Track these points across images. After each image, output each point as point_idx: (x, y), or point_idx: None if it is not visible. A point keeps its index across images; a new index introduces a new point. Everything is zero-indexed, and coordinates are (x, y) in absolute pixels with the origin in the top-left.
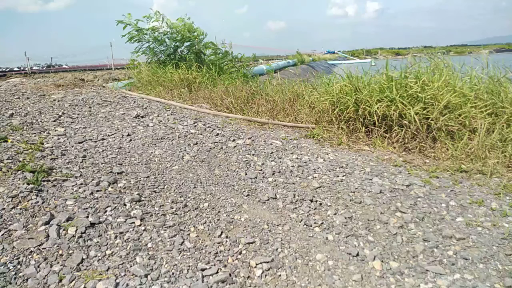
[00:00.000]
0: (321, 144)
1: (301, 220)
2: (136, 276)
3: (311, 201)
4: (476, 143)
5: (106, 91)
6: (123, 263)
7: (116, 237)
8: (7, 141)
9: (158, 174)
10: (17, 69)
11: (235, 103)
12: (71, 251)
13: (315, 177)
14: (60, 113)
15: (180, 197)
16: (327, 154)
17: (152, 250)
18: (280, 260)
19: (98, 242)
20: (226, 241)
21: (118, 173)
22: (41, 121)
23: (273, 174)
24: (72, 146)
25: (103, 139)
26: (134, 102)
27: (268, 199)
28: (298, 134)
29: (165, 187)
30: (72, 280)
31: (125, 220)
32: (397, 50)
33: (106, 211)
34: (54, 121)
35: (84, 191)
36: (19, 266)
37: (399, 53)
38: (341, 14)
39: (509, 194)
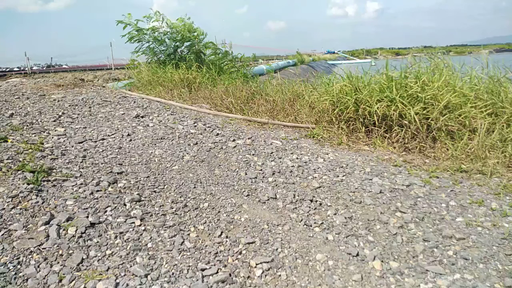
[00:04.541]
0: (321, 144)
1: (301, 220)
2: (136, 276)
3: (311, 201)
4: (476, 143)
5: (106, 91)
6: (123, 263)
7: (116, 237)
8: (7, 141)
9: (158, 174)
10: (17, 69)
11: (235, 103)
12: (71, 251)
13: (315, 177)
14: (60, 113)
15: (180, 197)
16: (327, 154)
17: (152, 250)
18: (280, 260)
19: (98, 242)
20: (226, 241)
21: (118, 173)
22: (41, 121)
23: (273, 174)
24: (72, 146)
25: (103, 139)
26: (134, 102)
27: (268, 199)
28: (298, 134)
29: (165, 187)
30: (72, 280)
31: (125, 220)
32: (397, 50)
33: (106, 211)
34: (54, 121)
35: (84, 191)
36: (19, 266)
37: (399, 53)
38: (341, 14)
39: (509, 194)
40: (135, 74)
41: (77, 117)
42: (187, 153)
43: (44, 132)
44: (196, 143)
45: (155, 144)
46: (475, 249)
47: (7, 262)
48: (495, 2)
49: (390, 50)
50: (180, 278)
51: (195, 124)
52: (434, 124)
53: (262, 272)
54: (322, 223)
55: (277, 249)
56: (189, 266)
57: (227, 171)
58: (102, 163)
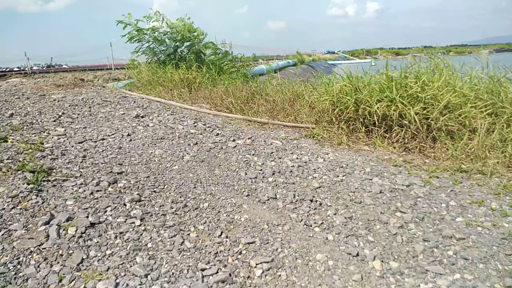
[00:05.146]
0: (321, 144)
1: (301, 220)
2: (136, 276)
3: (311, 201)
4: (476, 143)
5: (106, 91)
6: (123, 263)
7: (116, 237)
8: (7, 141)
9: (158, 174)
10: (17, 69)
11: (235, 103)
12: (71, 251)
13: (315, 177)
14: (60, 113)
15: (180, 197)
16: (327, 154)
17: (152, 250)
18: (280, 260)
19: (98, 242)
20: (226, 241)
21: (118, 173)
22: (41, 121)
23: (273, 174)
24: (72, 146)
25: (103, 139)
26: (134, 102)
27: (268, 199)
28: (298, 134)
29: (165, 187)
30: (72, 280)
31: (125, 220)
32: (397, 50)
33: (106, 211)
34: (54, 121)
35: (84, 191)
36: (19, 266)
37: (399, 53)
38: (341, 14)
39: (509, 194)
40: (135, 74)
41: (77, 117)
42: (187, 153)
43: (44, 132)
44: (196, 143)
45: (155, 144)
46: (475, 249)
47: (7, 262)
48: (495, 2)
49: (390, 50)
50: (180, 278)
51: (195, 124)
52: (434, 124)
53: (262, 272)
54: (322, 223)
55: (277, 249)
56: (189, 266)
57: (227, 171)
58: (102, 163)
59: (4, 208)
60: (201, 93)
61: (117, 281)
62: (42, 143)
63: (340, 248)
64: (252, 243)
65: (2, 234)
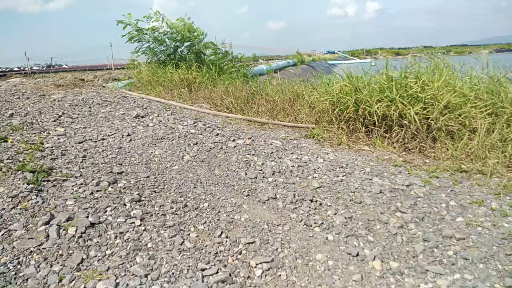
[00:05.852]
0: (321, 144)
1: (301, 220)
2: (136, 276)
3: (311, 201)
4: (476, 143)
5: (106, 91)
6: (123, 263)
7: (116, 237)
8: (7, 141)
9: (158, 174)
10: (17, 69)
11: (235, 103)
12: (71, 251)
13: (315, 177)
14: (60, 113)
15: (180, 197)
16: (327, 154)
17: (152, 250)
18: (280, 260)
19: (98, 242)
20: (226, 241)
21: (118, 173)
22: (41, 121)
23: (273, 174)
24: (72, 146)
25: (103, 139)
26: (134, 102)
27: (268, 199)
28: (298, 134)
29: (165, 187)
30: (72, 280)
31: (125, 220)
32: (397, 50)
33: (106, 211)
34: (54, 121)
35: (84, 191)
36: (19, 266)
37: (399, 53)
38: (341, 14)
39: (509, 194)
40: (135, 74)
41: (77, 117)
42: (187, 153)
43: (44, 132)
44: (196, 143)
45: (155, 144)
46: (475, 249)
47: (7, 262)
48: (495, 2)
49: (390, 50)
50: (180, 278)
51: (195, 124)
52: (434, 124)
53: (262, 272)
54: (322, 223)
55: (277, 249)
56: (189, 266)
57: (227, 171)
58: (102, 163)
59: (4, 208)
60: (201, 93)
61: (117, 281)
62: (42, 143)
63: (340, 248)
64: (252, 243)
65: (2, 234)
